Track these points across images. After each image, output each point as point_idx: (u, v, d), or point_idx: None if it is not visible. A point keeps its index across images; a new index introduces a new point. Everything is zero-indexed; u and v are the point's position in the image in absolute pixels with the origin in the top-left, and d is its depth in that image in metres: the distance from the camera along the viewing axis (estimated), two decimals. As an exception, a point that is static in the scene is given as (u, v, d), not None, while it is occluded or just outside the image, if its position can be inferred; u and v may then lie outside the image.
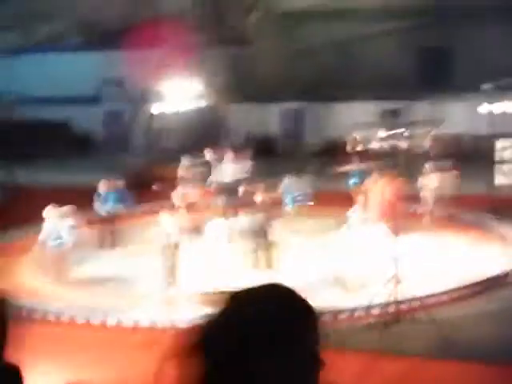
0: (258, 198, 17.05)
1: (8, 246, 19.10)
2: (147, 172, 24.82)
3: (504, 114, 22.90)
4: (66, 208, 16.83)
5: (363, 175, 20.15)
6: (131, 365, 12.07)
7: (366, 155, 23.15)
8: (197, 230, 17.60)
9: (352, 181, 20.78)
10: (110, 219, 19.07)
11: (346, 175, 21.00)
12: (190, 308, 14.64)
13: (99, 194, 19.03)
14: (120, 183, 19.52)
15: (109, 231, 19.11)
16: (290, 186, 19.56)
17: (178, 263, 15.78)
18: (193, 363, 1.73)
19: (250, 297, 1.82)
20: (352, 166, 20.93)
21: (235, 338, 1.72)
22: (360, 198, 18.66)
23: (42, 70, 34.48)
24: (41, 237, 16.56)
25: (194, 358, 1.74)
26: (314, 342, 1.80)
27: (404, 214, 18.47)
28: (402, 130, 23.31)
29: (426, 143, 25.96)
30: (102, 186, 19.02)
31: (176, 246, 15.79)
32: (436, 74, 32.68)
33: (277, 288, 1.85)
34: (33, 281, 16.65)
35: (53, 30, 36.07)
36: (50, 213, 16.44)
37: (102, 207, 18.95)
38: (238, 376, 1.71)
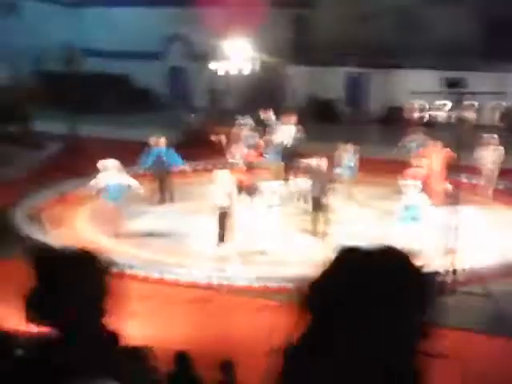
0: (316, 162, 16.90)
1: (65, 196, 19.34)
2: (206, 130, 24.82)
3: None
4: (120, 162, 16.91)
5: (424, 144, 19.86)
6: (183, 319, 12.18)
7: (428, 124, 22.80)
8: (252, 189, 17.57)
9: (412, 148, 20.46)
10: (167, 175, 19.15)
11: (406, 143, 20.66)
12: (243, 266, 14.70)
13: (152, 150, 19.11)
14: (163, 141, 19.43)
15: (165, 187, 19.21)
16: (349, 153, 19.35)
17: (232, 221, 15.81)
18: (300, 318, 1.66)
19: (363, 253, 1.73)
20: (413, 136, 20.61)
21: (344, 291, 1.63)
22: (418, 167, 18.39)
23: (107, 23, 34.57)
24: (97, 189, 16.65)
25: (301, 312, 1.66)
26: (423, 310, 1.71)
27: (463, 185, 18.17)
28: (467, 100, 22.83)
29: (491, 115, 25.45)
30: (153, 143, 19.14)
31: (231, 204, 15.82)
32: (505, 44, 31.86)
33: (392, 249, 1.76)
34: (88, 232, 16.84)
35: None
36: (108, 166, 16.53)
37: (149, 162, 19.10)
38: (342, 331, 1.62)
